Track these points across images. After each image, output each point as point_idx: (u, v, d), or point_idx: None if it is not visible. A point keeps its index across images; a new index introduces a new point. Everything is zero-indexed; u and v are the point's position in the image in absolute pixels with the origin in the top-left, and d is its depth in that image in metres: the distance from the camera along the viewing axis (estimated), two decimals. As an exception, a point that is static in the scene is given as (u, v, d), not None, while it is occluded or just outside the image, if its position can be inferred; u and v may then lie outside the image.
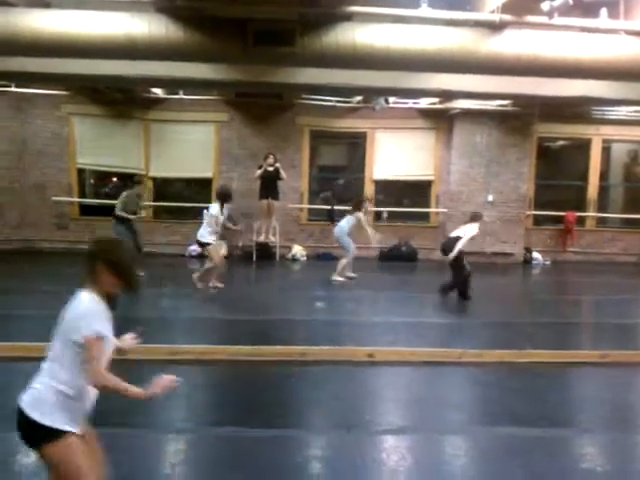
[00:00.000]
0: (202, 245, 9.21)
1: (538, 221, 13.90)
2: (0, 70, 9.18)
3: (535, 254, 13.39)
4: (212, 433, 4.22)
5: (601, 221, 14.03)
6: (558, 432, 4.39)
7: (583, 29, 7.94)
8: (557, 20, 7.28)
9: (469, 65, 8.08)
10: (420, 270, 12.45)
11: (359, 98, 12.38)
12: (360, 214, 10.08)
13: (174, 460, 3.85)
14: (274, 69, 9.01)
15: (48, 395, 2.43)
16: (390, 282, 10.96)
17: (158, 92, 12.49)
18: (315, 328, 7.24)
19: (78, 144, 13.00)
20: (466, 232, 8.72)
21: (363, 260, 11.76)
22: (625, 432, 4.49)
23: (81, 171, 13.34)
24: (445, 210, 13.21)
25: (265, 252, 12.52)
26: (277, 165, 11.78)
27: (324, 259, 12.58)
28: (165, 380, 2.52)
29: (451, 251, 8.58)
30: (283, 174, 11.83)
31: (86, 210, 13.20)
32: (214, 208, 9.03)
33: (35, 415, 2.40)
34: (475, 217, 9.04)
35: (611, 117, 13.20)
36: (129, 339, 2.76)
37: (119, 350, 2.66)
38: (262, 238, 12.29)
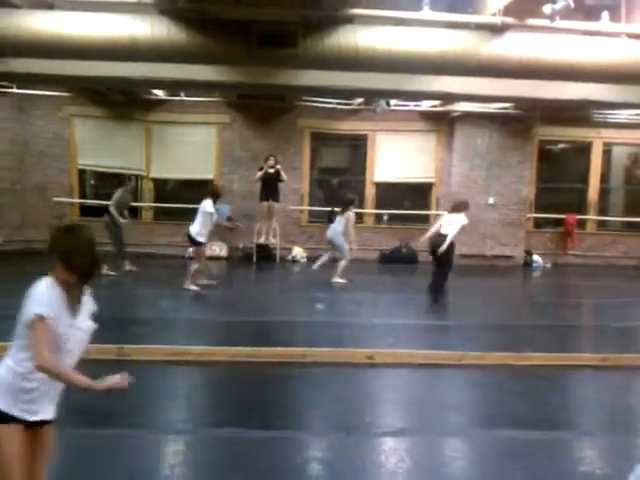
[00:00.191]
0: (196, 243, 9.04)
1: (539, 224, 13.89)
2: (3, 71, 9.19)
3: (535, 257, 13.37)
4: (211, 434, 4.22)
5: (602, 224, 14.01)
6: (558, 435, 4.39)
7: (585, 32, 7.96)
8: (559, 23, 7.29)
9: (470, 68, 8.09)
10: (420, 272, 12.40)
11: (360, 100, 12.39)
12: (350, 213, 10.03)
13: (173, 461, 3.85)
14: (276, 71, 9.02)
15: (6, 376, 2.43)
16: (390, 284, 10.95)
17: (160, 94, 12.51)
18: (315, 330, 7.24)
19: (79, 145, 13.01)
20: (454, 223, 8.50)
21: (363, 262, 11.75)
22: (625, 435, 4.48)
23: (82, 172, 13.36)
24: (446, 213, 13.18)
25: (265, 254, 12.52)
26: (278, 167, 11.79)
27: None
28: (116, 378, 2.47)
29: (440, 246, 8.40)
30: (284, 176, 11.84)
31: (87, 211, 13.21)
32: (209, 205, 8.90)
33: None
34: (460, 207, 8.81)
35: (612, 120, 13.19)
36: (117, 378, 2.51)
37: (106, 390, 2.47)
38: (262, 240, 12.29)
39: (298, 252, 12.92)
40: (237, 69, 8.99)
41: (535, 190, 13.60)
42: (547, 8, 6.97)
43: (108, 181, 13.82)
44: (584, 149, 13.77)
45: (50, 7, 8.23)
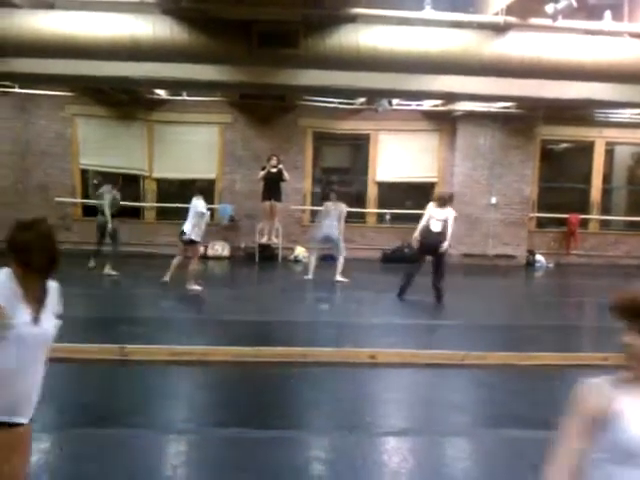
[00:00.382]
0: (190, 242, 8.94)
1: (541, 223, 13.87)
2: (5, 71, 9.20)
3: (538, 257, 13.34)
4: (213, 434, 4.21)
5: (604, 224, 13.98)
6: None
7: (587, 32, 7.94)
8: (561, 22, 7.28)
9: (473, 67, 8.08)
10: (422, 272, 12.40)
11: (362, 100, 12.38)
12: (344, 207, 10.10)
13: (175, 461, 3.84)
14: (277, 70, 9.01)
15: None
16: (392, 284, 10.92)
17: (162, 93, 12.51)
18: (317, 329, 7.23)
19: (81, 145, 13.02)
20: (447, 218, 8.46)
21: (365, 262, 11.74)
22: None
23: (84, 172, 13.36)
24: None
25: (268, 253, 12.50)
26: (280, 166, 11.77)
27: (327, 260, 12.55)
28: None
29: (440, 244, 8.38)
30: (286, 175, 11.82)
31: (89, 211, 13.20)
32: (202, 205, 8.90)
33: None
34: (447, 200, 8.74)
35: (614, 120, 13.17)
36: None
37: None
38: (265, 239, 12.27)
39: (300, 252, 12.91)
40: (238, 69, 8.99)
41: (538, 190, 13.58)
42: (549, 7, 6.95)
43: (111, 181, 13.82)
44: (587, 149, 13.75)
45: (51, 7, 8.24)
